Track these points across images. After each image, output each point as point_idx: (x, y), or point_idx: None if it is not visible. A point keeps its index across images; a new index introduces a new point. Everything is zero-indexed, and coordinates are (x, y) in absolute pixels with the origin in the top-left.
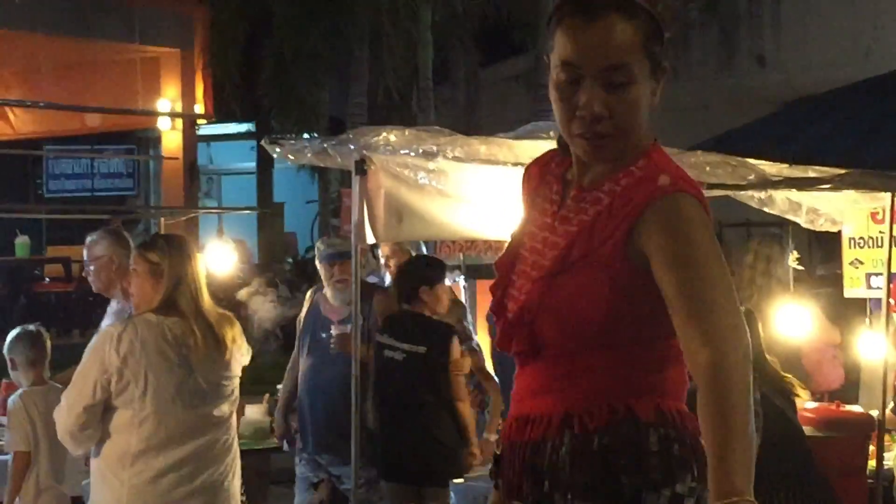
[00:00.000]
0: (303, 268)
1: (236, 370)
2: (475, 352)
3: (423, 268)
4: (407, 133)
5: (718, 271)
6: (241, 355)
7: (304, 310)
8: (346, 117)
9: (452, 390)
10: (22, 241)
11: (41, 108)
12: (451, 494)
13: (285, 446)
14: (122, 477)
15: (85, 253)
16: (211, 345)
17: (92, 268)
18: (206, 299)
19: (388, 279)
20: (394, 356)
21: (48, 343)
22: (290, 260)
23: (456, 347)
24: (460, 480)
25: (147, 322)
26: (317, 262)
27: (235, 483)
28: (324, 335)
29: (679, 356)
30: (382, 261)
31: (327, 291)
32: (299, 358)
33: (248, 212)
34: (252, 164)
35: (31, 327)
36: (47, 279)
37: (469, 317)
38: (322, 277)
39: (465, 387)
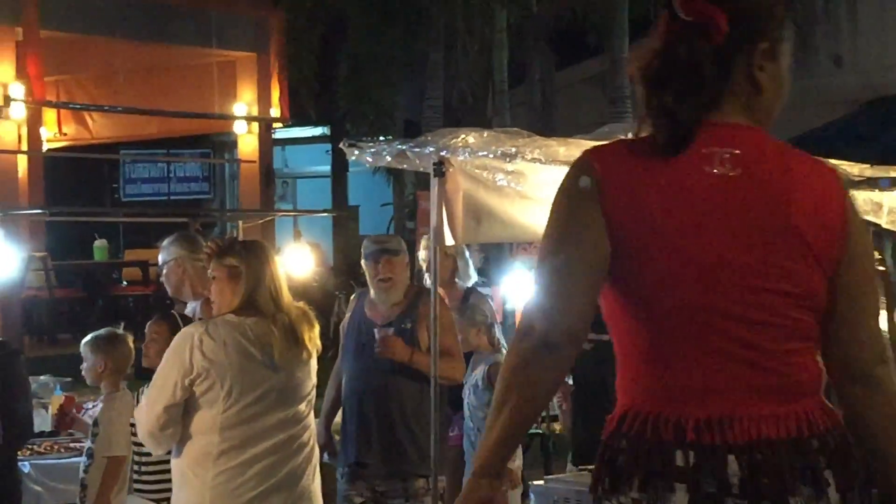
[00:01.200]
0: None
1: (314, 369)
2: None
3: None
4: (485, 135)
5: (548, 249)
6: (316, 355)
7: (348, 314)
8: (421, 120)
9: None
10: (100, 244)
11: (119, 113)
12: (531, 496)
13: (326, 458)
14: (204, 477)
15: (159, 257)
16: (292, 344)
17: (163, 271)
18: (287, 299)
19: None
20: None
21: None
22: None
23: None
24: (540, 482)
25: (227, 322)
26: (362, 262)
27: (316, 485)
28: (366, 340)
29: (650, 354)
30: (424, 266)
31: (371, 291)
32: (343, 364)
33: (323, 214)
34: (327, 168)
35: (121, 331)
36: (125, 282)
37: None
38: (367, 277)
39: None
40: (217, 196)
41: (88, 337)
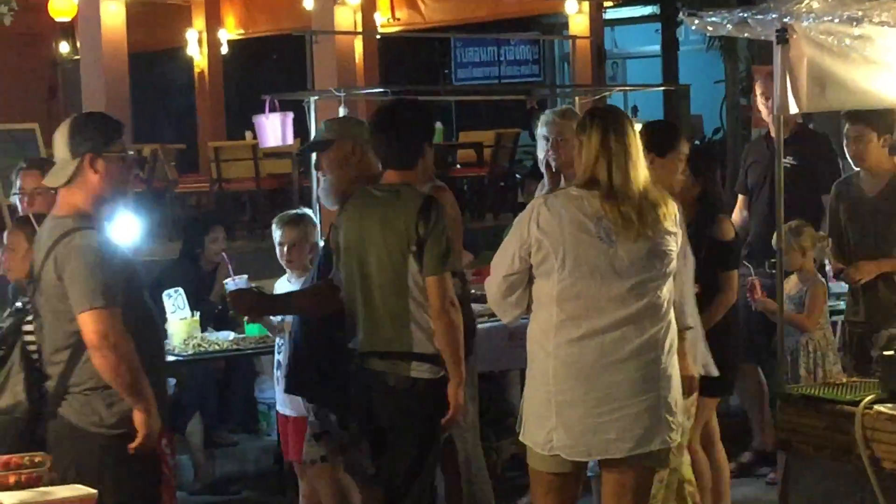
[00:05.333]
0: (709, 149)
1: (668, 247)
2: None
3: None
4: None
5: None
6: (673, 232)
7: None
8: None
9: None
10: (436, 127)
11: None
12: None
13: None
14: (547, 347)
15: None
16: (634, 220)
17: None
18: (635, 174)
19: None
20: None
21: None
22: (696, 142)
23: None
24: None
25: (567, 195)
26: None
27: (671, 363)
28: None
29: None
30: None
31: None
32: None
33: (656, 89)
34: (656, 48)
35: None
36: (459, 165)
37: None
38: None
39: None
40: (547, 79)
41: (284, 215)
